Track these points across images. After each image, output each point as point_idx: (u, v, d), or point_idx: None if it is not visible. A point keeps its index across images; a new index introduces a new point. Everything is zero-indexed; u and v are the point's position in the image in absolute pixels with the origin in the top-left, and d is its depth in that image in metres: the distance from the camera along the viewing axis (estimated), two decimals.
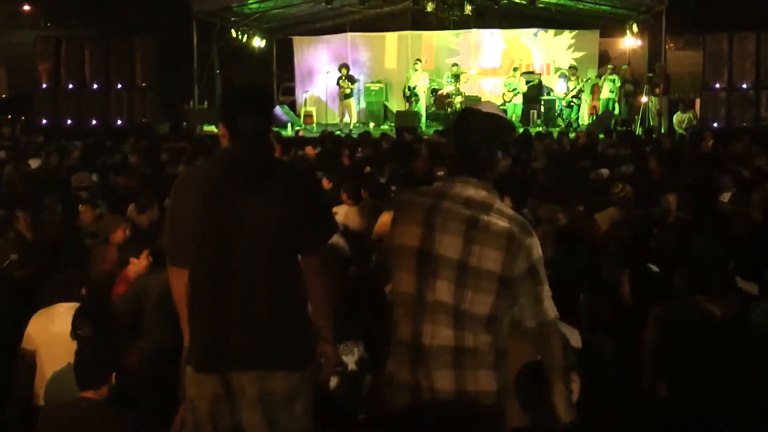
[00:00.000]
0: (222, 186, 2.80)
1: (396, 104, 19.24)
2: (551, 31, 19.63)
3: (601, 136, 14.42)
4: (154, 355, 4.29)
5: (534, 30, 19.75)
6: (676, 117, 16.81)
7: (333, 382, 3.75)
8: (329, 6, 17.74)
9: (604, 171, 9.15)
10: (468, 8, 18.16)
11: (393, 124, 17.79)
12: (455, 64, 18.61)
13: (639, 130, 16.78)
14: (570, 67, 18.37)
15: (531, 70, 19.17)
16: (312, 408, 2.92)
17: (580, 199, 7.16)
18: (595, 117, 18.01)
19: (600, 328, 3.93)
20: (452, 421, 2.56)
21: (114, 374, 3.49)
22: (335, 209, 6.52)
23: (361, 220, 6.49)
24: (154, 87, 18.57)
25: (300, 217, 2.84)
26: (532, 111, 18.00)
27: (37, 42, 18.64)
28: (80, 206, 6.67)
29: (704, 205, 6.79)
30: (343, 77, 17.61)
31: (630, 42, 18.81)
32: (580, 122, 18.14)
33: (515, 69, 18.50)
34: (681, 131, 16.20)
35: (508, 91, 17.98)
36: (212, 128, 17.56)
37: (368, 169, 9.39)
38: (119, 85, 18.30)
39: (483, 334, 2.55)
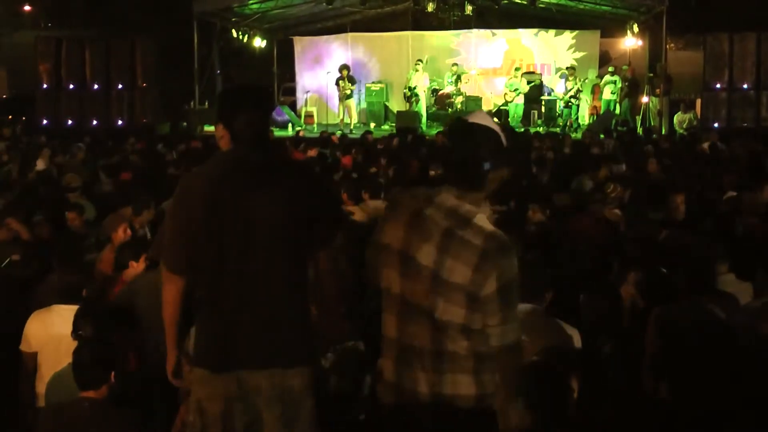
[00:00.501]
0: (230, 188, 2.81)
1: (397, 104, 19.24)
2: (552, 32, 19.64)
3: (602, 136, 14.41)
4: (153, 355, 4.29)
5: (535, 30, 19.76)
6: (677, 117, 16.82)
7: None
8: (330, 6, 17.75)
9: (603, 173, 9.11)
10: (468, 8, 18.17)
11: (394, 125, 17.79)
12: (455, 64, 18.61)
13: (640, 131, 16.78)
14: (568, 68, 18.37)
15: (532, 70, 19.17)
16: None
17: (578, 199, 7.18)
18: (596, 117, 18.02)
19: (600, 328, 3.93)
20: (428, 424, 2.56)
21: (113, 374, 3.48)
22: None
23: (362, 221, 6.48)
24: (155, 87, 18.60)
25: (309, 213, 2.86)
26: (533, 111, 18.00)
27: (38, 42, 18.66)
28: (67, 213, 6.60)
29: (704, 206, 6.78)
30: (343, 78, 17.61)
31: (631, 42, 18.83)
32: (581, 122, 18.14)
33: (517, 69, 18.51)
34: (682, 131, 16.20)
35: (510, 91, 17.99)
36: (212, 128, 17.56)
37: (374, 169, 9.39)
38: (120, 86, 18.32)
39: (461, 340, 2.55)
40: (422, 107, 17.90)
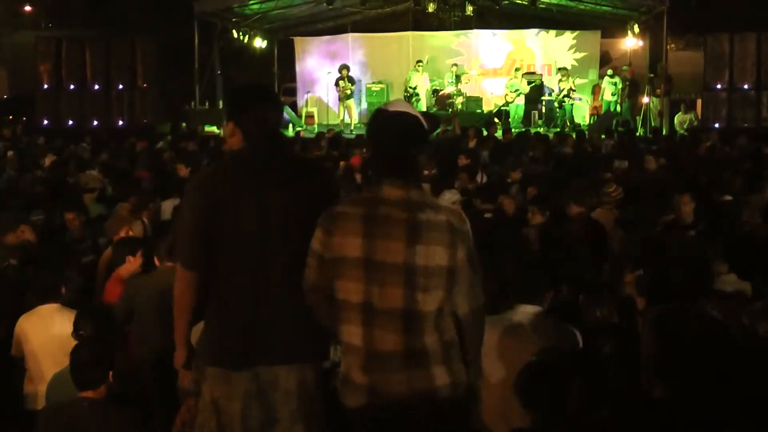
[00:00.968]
0: (242, 185, 2.83)
1: None
2: (552, 32, 19.64)
3: (603, 136, 14.41)
4: (154, 354, 4.29)
5: (535, 31, 19.75)
6: (678, 118, 16.82)
7: None
8: (330, 7, 17.74)
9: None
10: (469, 9, 18.17)
11: None
12: (455, 65, 18.62)
13: (640, 131, 16.78)
14: (560, 68, 18.34)
15: (532, 70, 19.17)
16: None
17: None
18: (596, 117, 18.02)
19: (600, 328, 3.93)
20: (410, 418, 2.58)
21: (111, 373, 3.48)
22: None
23: None
24: (155, 88, 18.60)
25: (322, 210, 2.86)
26: (533, 112, 18.00)
27: (38, 42, 18.68)
28: (66, 214, 6.59)
29: (704, 206, 6.77)
30: (344, 78, 17.62)
31: (631, 42, 18.83)
32: (582, 123, 18.14)
33: (516, 70, 18.51)
34: (682, 132, 16.20)
35: (510, 92, 17.99)
36: (213, 128, 17.58)
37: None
38: (120, 86, 18.33)
39: (431, 333, 2.59)
40: (422, 108, 17.89)
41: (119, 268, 5.08)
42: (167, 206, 7.22)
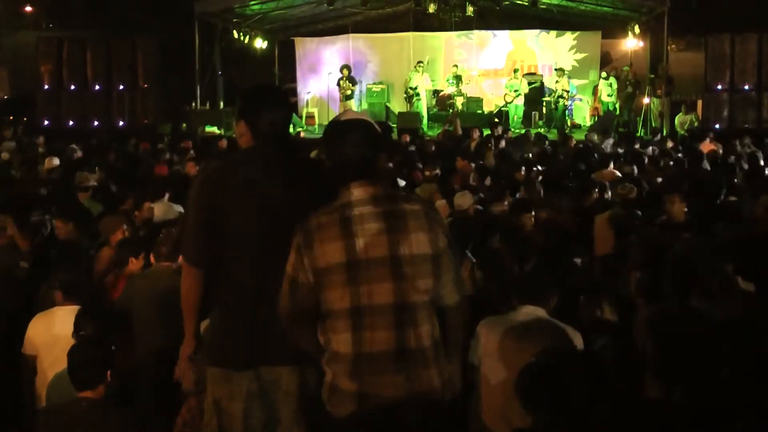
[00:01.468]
0: (249, 183, 2.85)
1: (398, 105, 19.25)
2: (553, 33, 19.65)
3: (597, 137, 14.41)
4: (153, 354, 4.29)
5: (536, 31, 19.76)
6: (678, 118, 16.80)
7: None
8: (331, 7, 17.76)
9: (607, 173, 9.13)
10: (470, 9, 18.18)
11: (395, 125, 17.80)
12: (455, 65, 18.62)
13: (641, 132, 16.77)
14: (556, 69, 18.34)
15: (533, 71, 19.17)
16: None
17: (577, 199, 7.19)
18: (596, 118, 18.02)
19: (600, 329, 3.93)
20: (401, 422, 2.57)
21: (109, 372, 3.47)
22: None
23: None
24: (156, 88, 18.58)
25: None
26: (533, 112, 18.00)
27: (39, 43, 18.67)
28: (55, 221, 6.57)
29: (702, 206, 6.76)
30: (344, 78, 17.62)
31: (632, 43, 18.83)
32: (582, 123, 18.12)
33: (516, 70, 18.52)
34: (683, 132, 16.19)
35: (510, 92, 18.00)
36: (213, 129, 17.59)
37: None
38: (121, 86, 18.31)
39: (424, 325, 2.60)
40: (423, 108, 17.91)
41: (124, 270, 5.07)
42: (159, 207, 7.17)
